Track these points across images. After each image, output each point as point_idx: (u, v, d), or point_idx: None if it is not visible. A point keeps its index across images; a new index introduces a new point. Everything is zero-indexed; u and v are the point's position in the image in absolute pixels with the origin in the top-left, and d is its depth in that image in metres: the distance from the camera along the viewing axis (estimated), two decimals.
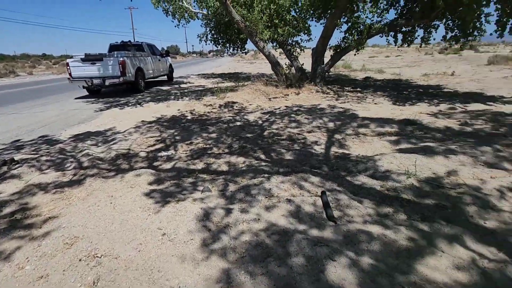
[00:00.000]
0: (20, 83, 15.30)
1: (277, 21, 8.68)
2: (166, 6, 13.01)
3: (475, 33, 6.68)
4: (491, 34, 6.29)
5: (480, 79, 9.22)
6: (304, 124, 4.57)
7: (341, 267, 1.55)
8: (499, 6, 5.69)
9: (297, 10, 9.61)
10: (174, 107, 6.55)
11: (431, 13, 6.25)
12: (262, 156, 3.32)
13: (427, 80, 9.66)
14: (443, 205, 2.10)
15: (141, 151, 3.68)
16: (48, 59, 48.58)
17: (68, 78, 8.71)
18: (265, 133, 4.19)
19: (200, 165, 3.13)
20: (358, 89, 8.08)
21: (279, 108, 5.80)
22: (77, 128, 5.11)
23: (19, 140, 4.54)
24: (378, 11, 7.24)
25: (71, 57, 8.91)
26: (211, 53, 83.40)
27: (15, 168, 3.19)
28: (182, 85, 11.24)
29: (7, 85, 13.81)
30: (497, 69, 12.12)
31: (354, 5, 7.61)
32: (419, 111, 5.14)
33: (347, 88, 8.29)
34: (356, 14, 7.75)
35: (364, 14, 7.57)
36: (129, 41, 11.07)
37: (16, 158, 3.46)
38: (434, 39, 8.07)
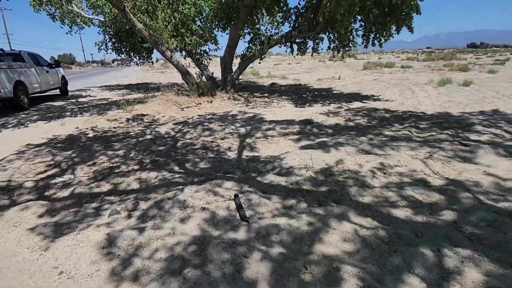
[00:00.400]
0: None
1: (183, 30, 8.61)
2: (51, 10, 11.30)
3: (350, 44, 8.16)
4: (360, 45, 7.85)
5: (358, 82, 11.23)
6: (217, 131, 4.68)
7: (254, 262, 1.68)
8: (362, 24, 7.20)
9: (202, 21, 9.75)
10: (71, 124, 5.74)
11: (316, 27, 7.31)
12: (176, 168, 3.26)
13: (321, 84, 11.19)
14: (334, 189, 2.50)
15: (27, 180, 3.11)
16: None
17: None
18: (178, 144, 4.12)
19: (106, 187, 2.86)
20: (266, 94, 8.73)
21: (192, 118, 5.77)
22: None
23: None
24: (275, 23, 8.04)
25: None
26: (116, 63, 75.94)
27: None
28: (81, 99, 9.92)
29: None
30: (370, 73, 14.98)
31: (254, 17, 8.23)
32: (315, 112, 5.93)
33: (256, 94, 8.86)
34: (257, 26, 8.38)
35: (264, 26, 8.29)
36: (1, 49, 9.14)
37: None
38: (322, 49, 9.45)
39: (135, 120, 5.80)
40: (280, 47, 8.91)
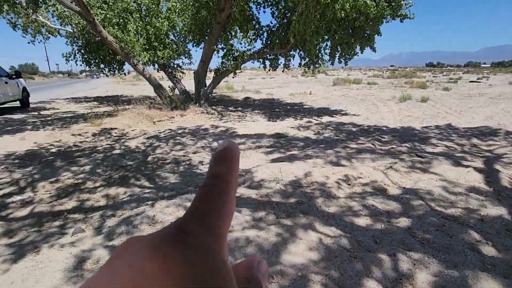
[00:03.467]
0: None
1: (156, 43, 8.60)
2: (12, 18, 10.78)
3: (319, 61, 8.63)
4: (327, 62, 8.35)
5: (328, 97, 11.79)
6: (189, 145, 4.68)
7: None
8: (328, 43, 7.72)
9: (175, 35, 9.81)
10: (31, 139, 5.41)
11: (287, 45, 7.67)
12: (146, 183, 3.21)
13: (293, 99, 11.59)
14: (302, 201, 2.61)
15: None
16: None
17: None
18: (149, 158, 4.06)
19: (70, 204, 2.74)
20: (239, 108, 8.87)
21: (163, 132, 5.71)
22: None
23: None
24: (248, 40, 8.30)
25: None
26: (84, 74, 72.84)
27: None
28: (44, 112, 9.39)
29: None
30: (339, 88, 15.79)
31: (228, 33, 8.44)
32: (287, 125, 6.13)
33: (229, 108, 8.97)
34: (230, 42, 8.60)
35: (237, 42, 8.53)
36: None
37: None
38: (293, 65, 9.87)
39: (103, 134, 5.61)
40: (254, 62, 9.20)
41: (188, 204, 2.58)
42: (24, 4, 9.18)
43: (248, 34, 8.09)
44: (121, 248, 0.16)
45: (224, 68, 8.64)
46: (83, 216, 2.51)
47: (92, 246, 2.00)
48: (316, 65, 8.83)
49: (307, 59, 8.73)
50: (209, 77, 8.97)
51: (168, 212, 2.44)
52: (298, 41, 7.01)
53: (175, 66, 9.60)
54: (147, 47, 8.53)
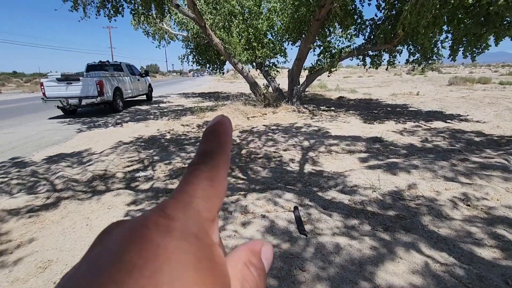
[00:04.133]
0: None
1: (255, 44, 9.10)
2: (146, 27, 13.25)
3: (434, 57, 7.39)
4: (446, 57, 7.01)
5: (441, 99, 10.03)
6: (281, 142, 4.76)
7: (311, 276, 1.67)
8: (450, 35, 6.46)
9: (273, 34, 10.14)
10: (153, 127, 6.57)
11: (393, 39, 6.86)
12: (239, 174, 3.43)
13: (395, 100, 10.36)
14: (403, 215, 2.30)
15: (118, 171, 3.68)
16: (19, 77, 46.85)
17: (42, 98, 8.50)
18: (243, 151, 4.33)
19: (177, 183, 3.18)
20: (332, 108, 8.51)
21: (257, 127, 6.00)
22: (50, 149, 4.99)
23: None
24: (348, 36, 7.84)
25: (46, 76, 8.75)
26: (191, 72, 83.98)
27: None
28: (162, 105, 11.26)
29: None
30: (457, 89, 13.23)
31: (326, 30, 8.18)
32: (387, 129, 5.52)
33: (322, 107, 8.71)
34: (328, 39, 8.32)
35: (335, 39, 8.16)
36: (107, 61, 11.07)
37: None
38: (399, 62, 8.77)
39: (205, 126, 6.30)
40: (352, 59, 8.63)
41: (278, 199, 2.63)
42: (154, 15, 11.16)
43: (349, 29, 7.63)
44: (103, 232, 0.15)
45: (319, 66, 8.43)
46: None
47: None
48: (430, 61, 7.61)
49: (417, 54, 7.63)
50: (302, 75, 8.93)
51: (259, 205, 2.54)
52: (409, 34, 6.18)
53: (271, 64, 9.94)
54: (247, 47, 9.11)
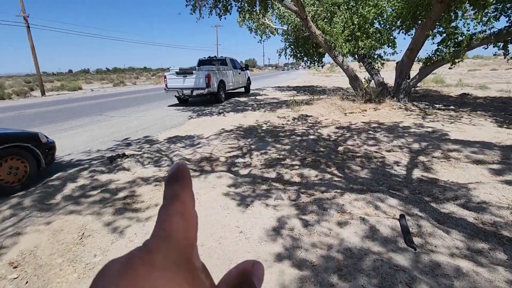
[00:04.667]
0: (127, 91, 18.51)
1: (359, 34, 8.46)
2: (249, 24, 14.08)
3: None
4: None
5: None
6: (383, 142, 4.31)
7: None
8: None
9: (381, 22, 9.18)
10: (250, 117, 6.98)
11: None
12: (335, 172, 3.29)
13: None
14: None
15: (220, 156, 4.07)
16: (147, 72, 57.87)
17: (164, 89, 10.17)
18: (340, 148, 4.13)
19: (273, 174, 3.30)
20: (452, 107, 7.15)
21: (355, 124, 5.61)
22: (170, 131, 5.94)
23: (128, 138, 5.54)
24: (484, 19, 6.34)
25: (168, 70, 10.42)
26: (286, 66, 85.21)
27: (126, 162, 3.92)
28: (258, 97, 11.85)
29: (119, 93, 16.91)
30: None
31: (452, 14, 6.85)
32: None
33: (437, 105, 7.43)
34: (453, 24, 6.96)
35: (464, 23, 6.74)
36: (215, 56, 12.33)
37: (126, 153, 4.25)
38: None
39: (300, 120, 6.30)
40: (486, 48, 6.96)
41: (379, 203, 2.40)
42: (257, 11, 11.74)
43: (486, 10, 6.18)
44: (101, 271, 0.16)
45: (439, 57, 7.16)
46: (282, 187, 2.94)
47: (289, 214, 2.30)
48: None
49: None
50: (414, 69, 7.78)
51: (357, 206, 2.37)
52: None
53: (375, 56, 9.06)
54: (349, 38, 8.56)
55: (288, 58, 13.81)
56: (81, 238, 2.15)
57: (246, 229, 2.09)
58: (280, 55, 13.30)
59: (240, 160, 3.85)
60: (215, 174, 3.28)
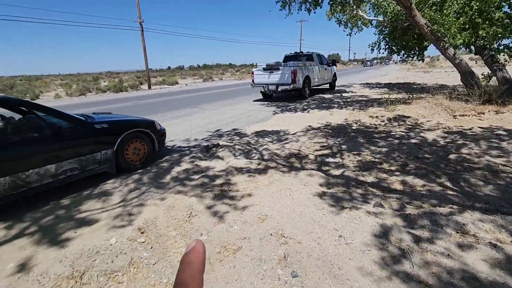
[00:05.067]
0: (215, 86, 20.10)
1: (479, 20, 7.04)
2: (339, 16, 13.40)
3: None
4: None
5: None
6: None
7: None
8: None
9: None
10: (337, 115, 6.66)
11: None
12: (448, 183, 2.82)
13: None
14: None
15: (309, 153, 4.00)
16: (232, 68, 61.84)
17: (251, 84, 10.61)
18: (451, 156, 3.53)
19: (369, 178, 3.05)
20: None
21: (470, 129, 4.72)
22: (256, 125, 6.17)
23: (219, 130, 5.99)
24: None
25: (255, 66, 10.82)
26: (375, 61, 78.25)
27: (220, 151, 4.24)
28: (344, 94, 11.23)
29: (208, 88, 18.53)
30: None
31: None
32: None
33: None
34: None
35: None
36: (301, 51, 12.19)
37: (220, 143, 4.60)
38: None
39: (396, 121, 5.68)
40: None
41: None
42: (351, 2, 11.01)
43: None
44: None
45: None
46: (381, 193, 2.68)
47: (394, 225, 2.08)
48: None
49: None
50: None
51: (484, 229, 1.97)
52: None
53: (501, 47, 7.41)
54: (466, 27, 7.20)
55: (383, 52, 12.62)
56: (189, 216, 2.41)
57: (345, 234, 1.97)
58: (372, 49, 12.25)
59: (331, 159, 3.70)
60: (306, 171, 3.23)
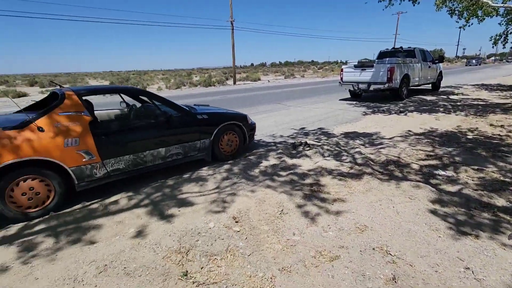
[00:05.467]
0: (297, 83, 19.90)
1: None
2: (453, 5, 11.46)
3: None
4: None
5: None
6: None
7: None
8: None
9: None
10: (445, 121, 5.69)
11: None
12: None
13: None
14: None
15: (412, 162, 3.50)
16: (314, 65, 60.29)
17: (339, 82, 10.05)
18: None
19: (499, 201, 2.45)
20: None
21: None
22: (345, 126, 5.79)
23: (304, 128, 5.85)
24: None
25: (345, 63, 10.19)
26: (492, 58, 64.56)
27: (307, 150, 4.11)
28: (452, 96, 9.57)
29: (290, 84, 18.50)
30: None
31: None
32: None
33: None
34: None
35: None
36: (401, 47, 10.88)
37: (308, 142, 4.47)
38: None
39: None
40: None
41: None
42: None
43: None
44: None
45: None
46: None
47: None
48: None
49: None
50: None
51: None
52: None
53: None
54: None
55: (510, 47, 10.20)
56: (281, 213, 2.38)
57: (474, 267, 1.60)
58: (496, 43, 10.05)
59: (441, 172, 3.14)
60: (409, 183, 2.82)
